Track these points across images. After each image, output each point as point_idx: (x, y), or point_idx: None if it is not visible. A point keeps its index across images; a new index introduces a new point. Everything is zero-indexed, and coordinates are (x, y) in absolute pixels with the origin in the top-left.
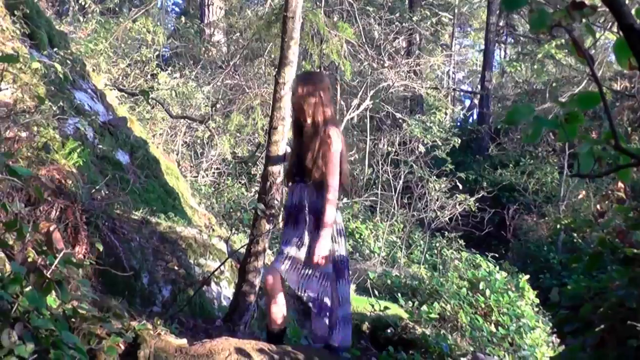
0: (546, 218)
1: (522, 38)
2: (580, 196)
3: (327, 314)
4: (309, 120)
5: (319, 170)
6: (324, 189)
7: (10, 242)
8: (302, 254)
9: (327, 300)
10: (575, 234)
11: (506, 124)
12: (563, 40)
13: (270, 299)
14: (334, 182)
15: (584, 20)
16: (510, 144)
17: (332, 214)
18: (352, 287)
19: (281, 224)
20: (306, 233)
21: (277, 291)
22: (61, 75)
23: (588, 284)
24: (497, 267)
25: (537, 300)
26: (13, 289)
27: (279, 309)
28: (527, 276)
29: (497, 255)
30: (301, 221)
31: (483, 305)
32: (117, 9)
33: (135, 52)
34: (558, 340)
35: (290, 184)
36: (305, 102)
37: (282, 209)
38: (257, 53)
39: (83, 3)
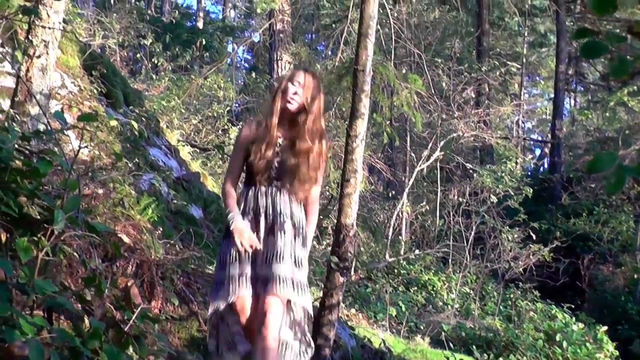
0: (623, 267)
1: (592, 86)
2: None
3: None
4: (313, 122)
5: (311, 180)
6: (301, 198)
7: (89, 298)
8: (264, 269)
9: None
10: None
11: (587, 172)
12: (635, 87)
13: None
14: (318, 193)
15: None
16: (583, 192)
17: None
18: (427, 339)
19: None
20: (289, 243)
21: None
22: (136, 132)
23: None
24: (574, 318)
25: (617, 352)
26: (92, 345)
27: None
28: (605, 327)
29: (572, 306)
30: (275, 230)
31: (560, 358)
32: (188, 66)
33: (207, 108)
34: None
35: (259, 186)
36: (316, 100)
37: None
38: (326, 106)
39: (156, 61)
